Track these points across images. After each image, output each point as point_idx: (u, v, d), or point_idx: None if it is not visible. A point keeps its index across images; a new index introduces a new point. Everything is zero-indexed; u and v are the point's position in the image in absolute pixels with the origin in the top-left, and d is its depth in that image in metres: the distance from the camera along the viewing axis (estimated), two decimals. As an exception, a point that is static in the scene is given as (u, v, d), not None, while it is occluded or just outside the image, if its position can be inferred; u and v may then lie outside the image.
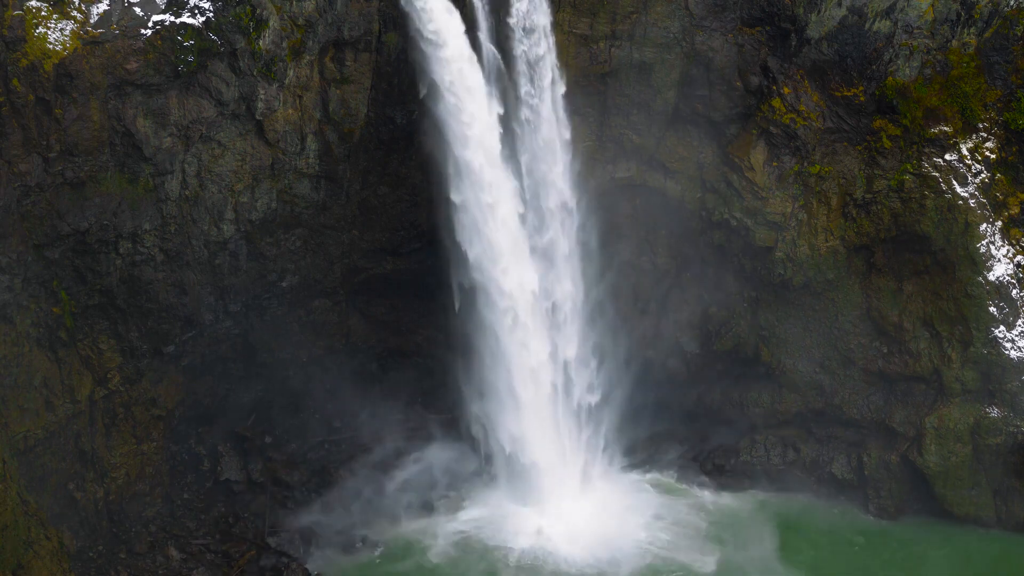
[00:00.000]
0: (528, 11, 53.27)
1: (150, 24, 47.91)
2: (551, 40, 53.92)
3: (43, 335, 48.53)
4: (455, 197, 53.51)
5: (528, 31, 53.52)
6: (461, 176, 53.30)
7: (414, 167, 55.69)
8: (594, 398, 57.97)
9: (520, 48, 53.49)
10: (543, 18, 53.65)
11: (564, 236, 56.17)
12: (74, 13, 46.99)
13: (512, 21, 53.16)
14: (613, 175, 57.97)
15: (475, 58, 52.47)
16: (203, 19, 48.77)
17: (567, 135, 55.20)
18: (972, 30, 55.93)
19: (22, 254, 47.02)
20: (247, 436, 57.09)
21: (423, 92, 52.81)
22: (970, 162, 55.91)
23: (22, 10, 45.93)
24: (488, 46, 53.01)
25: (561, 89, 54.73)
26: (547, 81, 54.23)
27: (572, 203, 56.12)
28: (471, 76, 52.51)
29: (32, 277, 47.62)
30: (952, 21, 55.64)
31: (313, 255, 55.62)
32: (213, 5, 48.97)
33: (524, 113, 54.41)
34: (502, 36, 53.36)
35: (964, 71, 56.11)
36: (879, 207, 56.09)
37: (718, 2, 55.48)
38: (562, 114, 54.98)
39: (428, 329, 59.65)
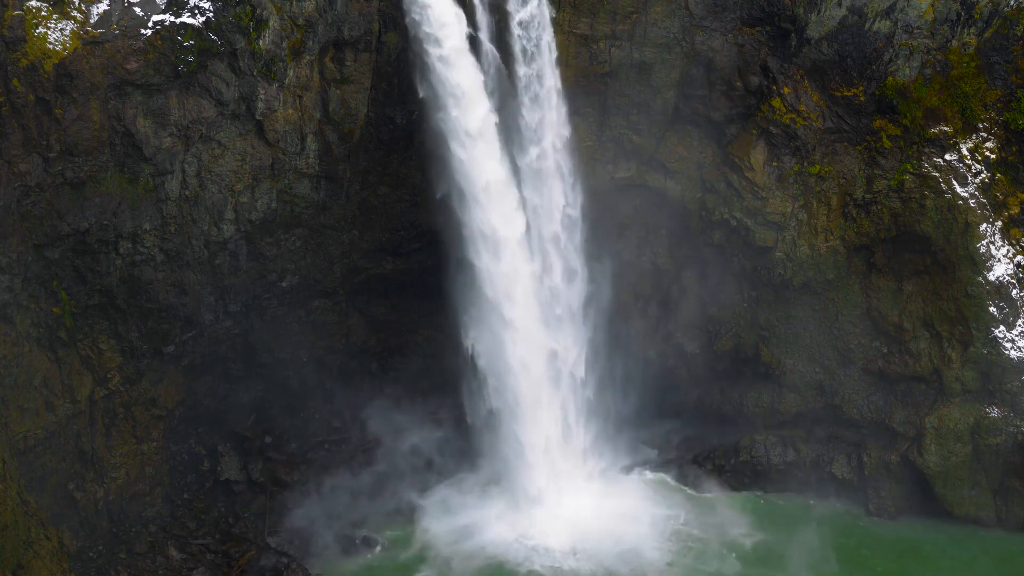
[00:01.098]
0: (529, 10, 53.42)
1: (150, 24, 47.89)
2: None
3: (43, 335, 48.51)
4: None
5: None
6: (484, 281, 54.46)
7: (414, 167, 55.68)
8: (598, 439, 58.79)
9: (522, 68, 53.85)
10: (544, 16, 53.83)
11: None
12: (74, 13, 46.96)
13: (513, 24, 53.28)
14: (613, 175, 57.95)
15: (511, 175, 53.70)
16: (203, 19, 48.75)
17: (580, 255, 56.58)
18: (972, 30, 55.90)
19: (22, 254, 47.00)
20: (247, 436, 57.09)
21: (440, 193, 53.61)
22: (970, 162, 55.88)
23: (22, 10, 45.91)
24: (488, 46, 53.08)
25: (579, 201, 55.87)
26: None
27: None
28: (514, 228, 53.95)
29: (32, 277, 47.59)
30: (952, 21, 55.62)
31: (313, 255, 55.60)
32: (213, 5, 48.95)
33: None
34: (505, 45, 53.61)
35: (964, 71, 56.09)
36: (879, 207, 56.07)
37: (718, 2, 55.45)
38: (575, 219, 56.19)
39: (428, 329, 59.62)
